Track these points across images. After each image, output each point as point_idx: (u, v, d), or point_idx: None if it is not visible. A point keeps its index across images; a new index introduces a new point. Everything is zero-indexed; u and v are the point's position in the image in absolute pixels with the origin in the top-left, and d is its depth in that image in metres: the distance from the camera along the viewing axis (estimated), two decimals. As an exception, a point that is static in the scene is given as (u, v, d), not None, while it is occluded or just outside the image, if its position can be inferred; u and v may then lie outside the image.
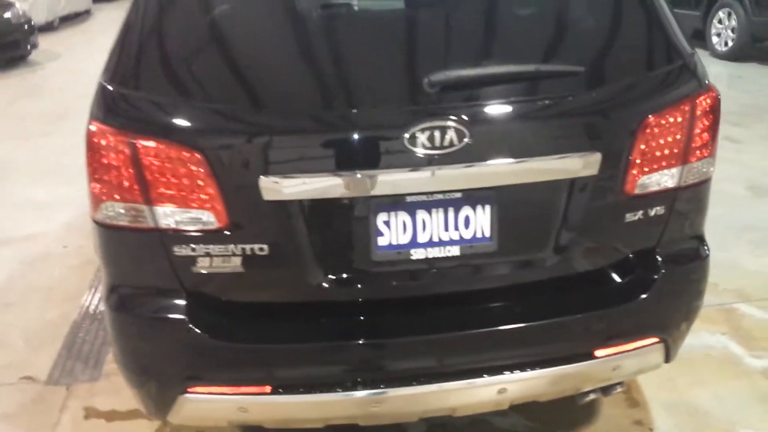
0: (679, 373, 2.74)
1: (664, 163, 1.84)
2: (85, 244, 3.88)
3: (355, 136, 1.69)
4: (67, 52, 11.48)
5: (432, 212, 1.75)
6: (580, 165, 1.74)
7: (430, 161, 1.66)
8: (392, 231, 1.74)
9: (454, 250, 1.78)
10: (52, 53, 11.35)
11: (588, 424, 2.52)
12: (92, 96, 1.78)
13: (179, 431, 2.42)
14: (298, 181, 1.65)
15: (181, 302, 1.77)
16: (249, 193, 1.65)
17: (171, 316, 1.77)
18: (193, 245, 1.71)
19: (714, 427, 2.53)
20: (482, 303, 1.88)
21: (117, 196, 1.70)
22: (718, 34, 9.34)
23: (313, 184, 1.65)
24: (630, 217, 1.85)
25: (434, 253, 1.77)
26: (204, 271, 1.73)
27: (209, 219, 1.69)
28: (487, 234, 1.78)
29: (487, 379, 1.84)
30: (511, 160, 1.71)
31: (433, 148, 1.65)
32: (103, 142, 1.68)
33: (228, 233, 1.70)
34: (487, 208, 1.76)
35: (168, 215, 1.69)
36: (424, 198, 1.73)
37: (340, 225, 1.75)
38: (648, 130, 1.79)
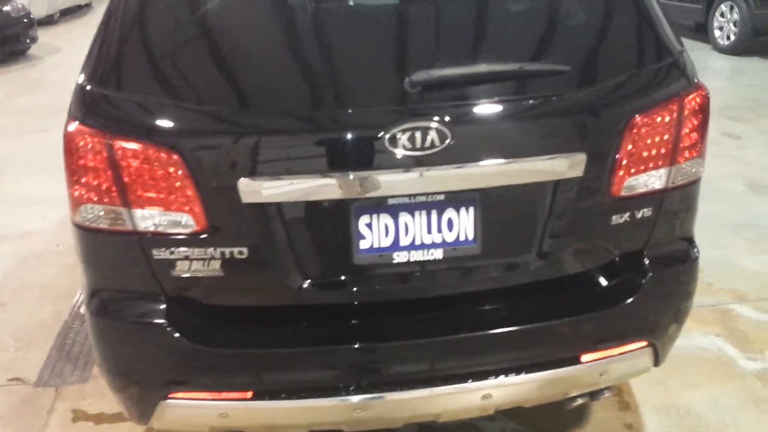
0: (671, 375, 2.72)
1: (651, 164, 1.81)
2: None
3: (335, 138, 1.66)
4: (66, 46, 11.44)
5: (415, 214, 1.72)
6: (565, 166, 1.71)
7: (411, 162, 1.63)
8: (374, 234, 1.72)
9: (438, 253, 1.75)
10: (51, 47, 11.30)
11: (578, 427, 2.50)
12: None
13: (165, 435, 2.42)
14: (278, 184, 1.62)
15: (161, 306, 1.75)
16: (228, 195, 1.62)
17: (150, 320, 1.75)
18: (171, 248, 1.69)
19: (706, 430, 2.50)
20: (466, 307, 1.85)
21: (95, 198, 1.68)
22: (720, 28, 9.26)
23: (292, 187, 1.63)
24: (617, 219, 1.82)
25: (417, 256, 1.75)
26: (183, 275, 1.71)
27: (188, 222, 1.66)
28: (471, 236, 1.75)
29: (471, 384, 1.82)
30: (495, 161, 1.68)
31: (414, 149, 1.62)
32: (81, 143, 1.66)
33: (207, 236, 1.67)
34: (471, 210, 1.74)
35: (146, 218, 1.67)
36: (406, 200, 1.71)
37: (321, 228, 1.73)
38: (635, 130, 1.76)
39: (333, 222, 1.72)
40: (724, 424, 2.51)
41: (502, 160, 1.68)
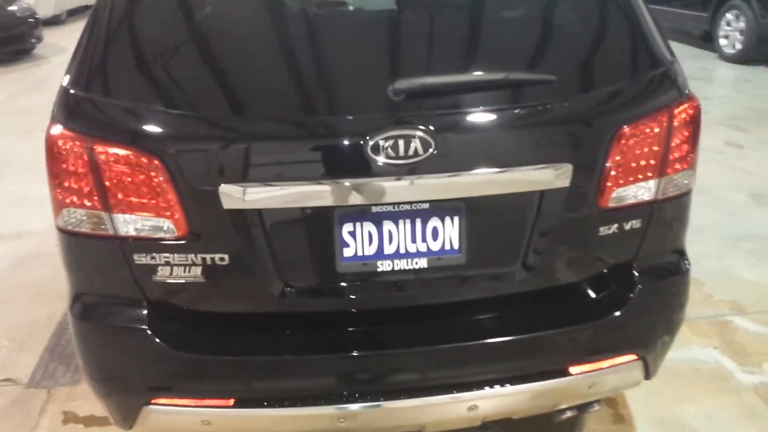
0: (666, 387, 2.69)
1: (640, 176, 1.78)
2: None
3: (317, 144, 1.65)
4: (72, 46, 11.40)
5: (399, 223, 1.71)
6: (551, 176, 1.69)
7: (394, 171, 1.61)
8: (358, 242, 1.70)
9: (422, 263, 1.73)
10: (57, 47, 11.35)
11: (570, 439, 2.48)
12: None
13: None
14: (259, 190, 1.61)
15: (143, 312, 1.74)
16: (209, 201, 1.61)
17: (132, 325, 1.74)
18: (153, 253, 1.67)
19: (699, 444, 2.48)
20: (451, 317, 1.83)
21: (77, 202, 1.67)
22: (726, 37, 9.21)
23: (273, 193, 1.61)
24: (604, 230, 1.80)
25: (401, 265, 1.73)
26: (164, 280, 1.70)
27: (169, 227, 1.65)
28: (456, 246, 1.73)
29: (457, 395, 1.79)
30: (479, 170, 1.66)
31: (398, 157, 1.60)
32: (63, 147, 1.65)
33: (188, 242, 1.66)
34: (456, 219, 1.72)
35: (128, 223, 1.66)
36: (390, 208, 1.69)
37: (304, 235, 1.71)
38: (623, 141, 1.74)
39: (316, 229, 1.70)
40: (718, 439, 2.49)
41: (487, 170, 1.66)
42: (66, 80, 1.74)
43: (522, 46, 1.84)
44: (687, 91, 1.86)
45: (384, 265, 1.72)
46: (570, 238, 1.80)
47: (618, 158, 1.74)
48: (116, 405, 1.85)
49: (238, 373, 1.77)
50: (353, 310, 1.80)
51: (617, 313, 1.84)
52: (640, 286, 1.87)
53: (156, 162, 1.60)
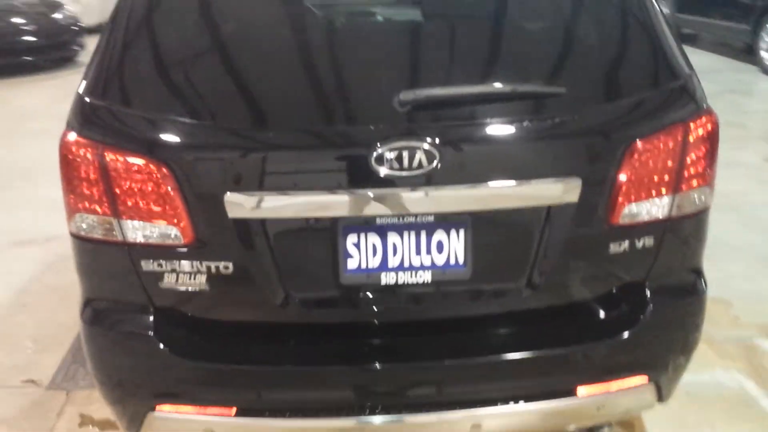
0: (686, 411, 2.61)
1: (653, 192, 1.74)
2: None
3: (322, 155, 1.65)
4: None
5: (403, 235, 1.70)
6: (559, 191, 1.66)
7: (398, 182, 1.60)
8: (362, 253, 1.70)
9: (426, 276, 1.72)
10: (99, 55, 11.64)
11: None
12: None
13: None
14: (264, 199, 1.62)
15: (149, 318, 1.76)
16: (215, 210, 1.63)
17: (138, 331, 1.76)
18: (159, 260, 1.70)
19: (718, 472, 2.39)
20: (455, 332, 1.81)
21: (88, 208, 1.70)
22: (769, 49, 8.98)
23: (277, 203, 1.62)
24: (615, 247, 1.75)
25: (405, 278, 1.71)
26: (170, 287, 1.72)
27: (176, 235, 1.67)
28: (461, 260, 1.71)
29: (459, 412, 1.77)
30: (484, 184, 1.64)
31: (402, 169, 1.59)
32: (76, 153, 1.69)
33: (194, 250, 1.68)
34: (462, 233, 1.70)
35: (136, 229, 1.69)
36: (395, 220, 1.68)
37: (308, 245, 1.71)
38: (635, 156, 1.70)
39: (320, 240, 1.70)
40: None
41: (493, 183, 1.64)
42: (82, 87, 1.78)
43: (533, 57, 1.81)
44: (705, 106, 1.81)
45: (388, 278, 1.71)
46: (579, 255, 1.76)
47: (630, 173, 1.70)
48: (122, 410, 1.88)
49: (239, 383, 1.78)
50: (356, 321, 1.79)
51: (627, 334, 1.79)
52: (651, 306, 1.81)
53: (164, 170, 1.63)
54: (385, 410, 1.76)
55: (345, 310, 1.75)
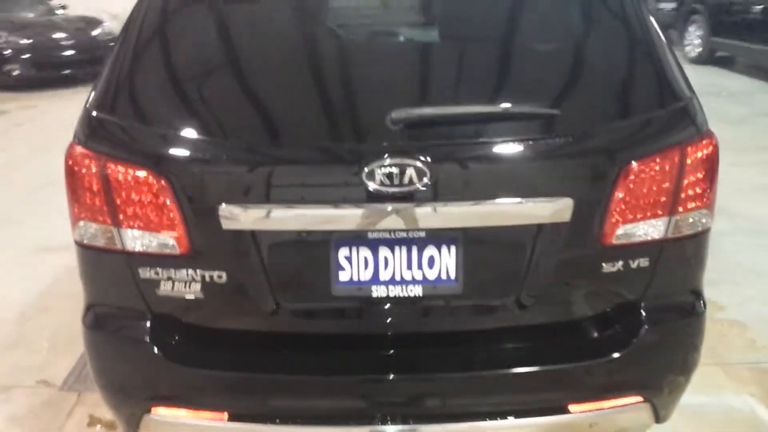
0: (696, 433, 2.57)
1: (648, 213, 1.73)
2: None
3: (314, 170, 1.69)
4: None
5: (395, 250, 1.72)
6: (549, 211, 1.66)
7: (387, 199, 1.63)
8: (353, 267, 1.72)
9: (417, 290, 1.73)
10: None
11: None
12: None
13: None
14: (256, 212, 1.65)
15: (146, 324, 1.81)
16: (209, 221, 1.67)
17: (135, 336, 1.81)
18: (156, 269, 1.75)
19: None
20: (445, 347, 1.82)
21: (90, 217, 1.76)
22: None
23: (270, 216, 1.65)
24: (608, 268, 1.75)
25: (396, 291, 1.73)
26: (167, 295, 1.76)
27: (172, 244, 1.72)
28: (453, 276, 1.72)
29: (450, 426, 1.78)
30: (474, 202, 1.65)
31: (392, 185, 1.62)
32: (80, 164, 1.75)
33: (189, 259, 1.72)
34: (453, 249, 1.71)
35: (135, 238, 1.74)
36: (386, 235, 1.70)
37: (300, 258, 1.75)
38: (630, 177, 1.70)
39: (312, 252, 1.73)
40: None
41: (482, 201, 1.65)
42: (90, 100, 1.85)
43: (529, 78, 1.82)
44: (705, 128, 1.80)
45: (379, 291, 1.73)
46: (571, 274, 1.76)
47: (625, 194, 1.70)
48: (120, 411, 1.93)
49: (230, 389, 1.81)
50: (347, 333, 1.81)
51: (620, 353, 1.78)
52: (646, 327, 1.80)
53: (163, 182, 1.68)
54: (373, 421, 1.78)
55: (336, 321, 1.78)
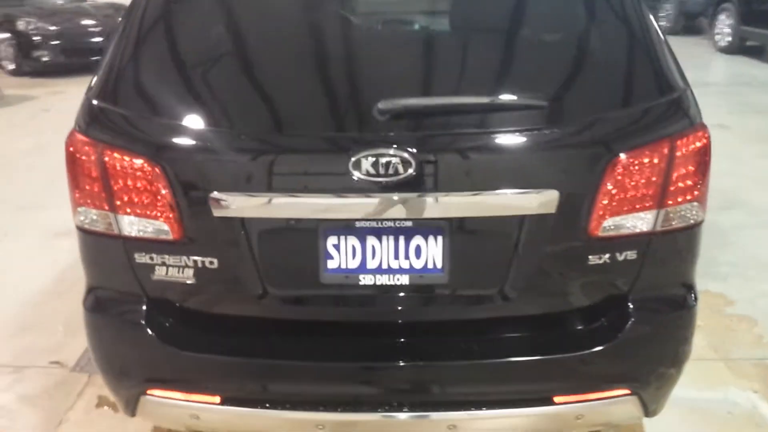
0: (693, 429, 2.55)
1: (636, 205, 1.72)
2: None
3: (302, 159, 1.71)
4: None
5: (382, 239, 1.74)
6: (534, 202, 1.67)
7: (375, 188, 1.65)
8: (341, 255, 1.75)
9: (404, 279, 1.76)
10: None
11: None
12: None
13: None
14: (245, 200, 1.69)
15: (141, 307, 1.86)
16: (201, 208, 1.71)
17: (131, 319, 1.87)
18: (151, 254, 1.80)
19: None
20: (431, 335, 1.84)
21: (90, 202, 1.82)
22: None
23: (258, 203, 1.69)
24: (595, 260, 1.75)
25: (383, 280, 1.76)
26: (161, 279, 1.81)
27: (166, 230, 1.76)
28: (439, 265, 1.74)
29: (434, 414, 1.80)
30: (460, 192, 1.67)
31: (378, 175, 1.64)
32: (80, 151, 1.80)
33: (182, 245, 1.77)
34: (440, 238, 1.73)
35: (131, 224, 1.79)
36: (374, 224, 1.72)
37: (289, 245, 1.78)
38: (618, 169, 1.69)
39: (301, 240, 1.76)
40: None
41: (468, 192, 1.67)
42: (90, 89, 1.90)
43: (518, 69, 1.83)
44: (698, 121, 1.79)
45: (366, 279, 1.76)
46: (557, 265, 1.77)
47: (612, 186, 1.69)
48: (118, 393, 1.99)
49: (222, 372, 1.85)
50: (335, 320, 1.84)
51: (605, 346, 1.78)
52: (633, 319, 1.80)
53: (157, 170, 1.72)
54: (361, 407, 1.81)
55: (324, 308, 1.81)
